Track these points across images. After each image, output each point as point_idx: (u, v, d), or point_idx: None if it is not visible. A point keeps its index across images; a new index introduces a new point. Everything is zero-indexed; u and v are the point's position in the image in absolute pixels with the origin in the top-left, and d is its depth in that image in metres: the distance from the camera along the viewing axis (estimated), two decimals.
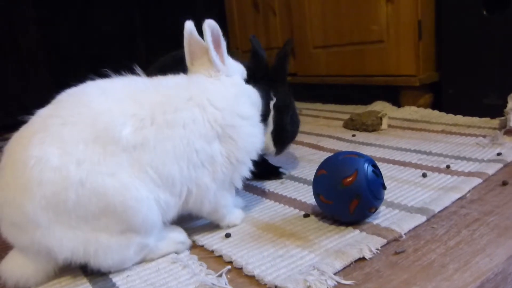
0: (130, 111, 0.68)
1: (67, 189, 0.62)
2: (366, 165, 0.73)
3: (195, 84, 0.77)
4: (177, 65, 1.16)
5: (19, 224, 0.64)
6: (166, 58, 1.26)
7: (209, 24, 0.76)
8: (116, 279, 0.68)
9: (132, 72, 0.77)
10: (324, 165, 0.78)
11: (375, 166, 0.75)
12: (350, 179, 0.72)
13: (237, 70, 0.84)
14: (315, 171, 0.79)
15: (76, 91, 0.71)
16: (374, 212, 0.76)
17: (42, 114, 0.68)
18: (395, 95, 1.71)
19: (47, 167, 0.62)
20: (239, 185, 0.80)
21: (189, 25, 0.80)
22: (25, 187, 0.62)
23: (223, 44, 0.79)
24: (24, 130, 0.67)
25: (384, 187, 0.76)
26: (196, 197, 0.73)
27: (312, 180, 0.80)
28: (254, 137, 0.80)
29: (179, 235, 0.76)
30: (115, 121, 0.66)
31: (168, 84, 0.77)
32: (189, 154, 0.70)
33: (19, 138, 0.67)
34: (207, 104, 0.74)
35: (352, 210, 0.73)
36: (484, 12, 1.36)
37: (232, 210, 0.82)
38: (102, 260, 0.66)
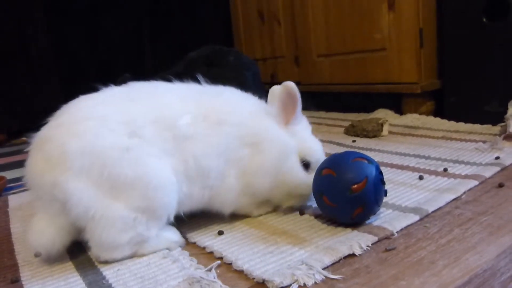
0: (188, 109, 0.76)
1: (113, 149, 0.67)
2: (375, 172, 0.71)
3: (257, 100, 0.87)
4: (202, 61, 1.33)
5: (53, 160, 0.66)
6: (192, 54, 1.43)
7: (286, 86, 0.80)
8: (106, 272, 0.68)
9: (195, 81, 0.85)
10: (332, 165, 0.73)
11: (381, 173, 0.73)
12: (360, 186, 0.69)
13: (301, 140, 0.83)
14: None
15: (149, 84, 0.82)
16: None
17: (114, 89, 0.78)
18: (397, 103, 1.71)
19: (105, 125, 0.68)
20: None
21: (275, 88, 0.88)
22: (78, 131, 0.67)
23: (298, 108, 0.82)
24: (95, 94, 0.76)
25: (385, 194, 0.75)
26: (221, 192, 0.78)
27: (314, 177, 0.77)
28: (268, 174, 0.80)
29: (173, 235, 0.77)
30: (175, 113, 0.75)
31: (230, 91, 0.85)
32: (228, 150, 0.76)
33: (89, 97, 0.75)
34: (260, 114, 0.81)
35: (354, 215, 0.71)
36: (485, 20, 1.37)
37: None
38: (99, 231, 0.67)
